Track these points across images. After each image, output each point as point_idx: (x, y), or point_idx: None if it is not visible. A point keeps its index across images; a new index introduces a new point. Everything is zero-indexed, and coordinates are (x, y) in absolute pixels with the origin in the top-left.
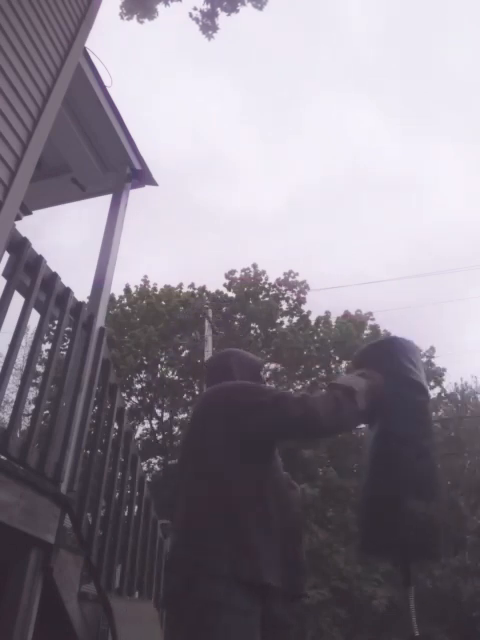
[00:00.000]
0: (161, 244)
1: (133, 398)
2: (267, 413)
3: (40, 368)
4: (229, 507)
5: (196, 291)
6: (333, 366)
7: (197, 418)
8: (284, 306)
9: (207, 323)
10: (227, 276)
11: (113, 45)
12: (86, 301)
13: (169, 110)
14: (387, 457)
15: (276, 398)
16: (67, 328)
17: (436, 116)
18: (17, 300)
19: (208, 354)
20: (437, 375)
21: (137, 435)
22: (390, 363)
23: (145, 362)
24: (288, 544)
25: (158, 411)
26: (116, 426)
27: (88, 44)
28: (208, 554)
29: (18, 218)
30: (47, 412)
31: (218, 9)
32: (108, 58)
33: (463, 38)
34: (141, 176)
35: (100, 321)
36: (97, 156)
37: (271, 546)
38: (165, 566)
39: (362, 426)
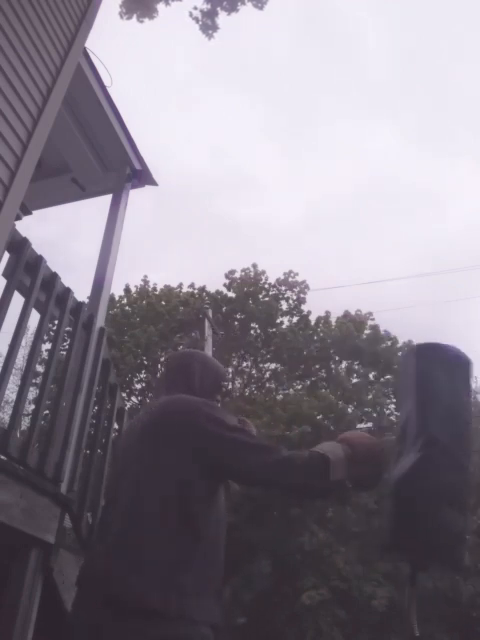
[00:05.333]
0: (174, 249)
1: (133, 398)
2: (238, 451)
3: (40, 368)
4: (181, 533)
5: (196, 291)
6: (333, 366)
7: (156, 427)
8: (284, 306)
9: (207, 323)
10: (227, 276)
11: (137, 52)
12: (86, 301)
13: (187, 121)
14: (428, 462)
15: (247, 441)
16: (67, 328)
17: (452, 135)
18: (17, 300)
19: (209, 354)
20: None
21: None
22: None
23: (145, 362)
24: (217, 577)
25: None
26: (116, 426)
27: (89, 44)
28: (154, 583)
29: (18, 218)
30: (47, 412)
31: (218, 8)
32: (110, 58)
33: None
34: (141, 176)
35: (100, 321)
36: (97, 156)
37: (207, 579)
38: (87, 576)
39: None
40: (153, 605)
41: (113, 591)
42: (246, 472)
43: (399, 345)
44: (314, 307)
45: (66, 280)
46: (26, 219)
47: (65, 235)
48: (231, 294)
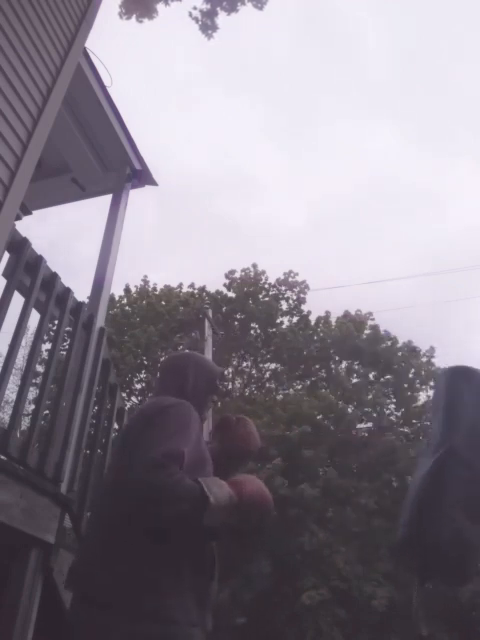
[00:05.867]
0: (174, 249)
1: (133, 398)
2: (140, 455)
3: (40, 368)
4: (143, 535)
5: (196, 291)
6: (333, 366)
7: (129, 428)
8: (284, 306)
9: (207, 323)
10: (227, 276)
11: (137, 52)
12: (86, 301)
13: (187, 121)
14: (441, 468)
15: (162, 456)
16: (67, 328)
17: (452, 135)
18: (17, 300)
19: (208, 354)
20: (437, 375)
21: None
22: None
23: (145, 362)
24: (198, 577)
25: None
26: (116, 426)
27: (89, 44)
28: (127, 582)
29: (18, 218)
30: (47, 412)
31: (218, 9)
32: (110, 58)
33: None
34: (141, 176)
35: (100, 321)
36: (97, 156)
37: (183, 579)
38: (71, 577)
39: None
40: (130, 604)
41: (87, 589)
42: (129, 470)
43: (399, 345)
44: (314, 307)
45: (66, 280)
46: (26, 219)
47: (65, 235)
48: (231, 294)
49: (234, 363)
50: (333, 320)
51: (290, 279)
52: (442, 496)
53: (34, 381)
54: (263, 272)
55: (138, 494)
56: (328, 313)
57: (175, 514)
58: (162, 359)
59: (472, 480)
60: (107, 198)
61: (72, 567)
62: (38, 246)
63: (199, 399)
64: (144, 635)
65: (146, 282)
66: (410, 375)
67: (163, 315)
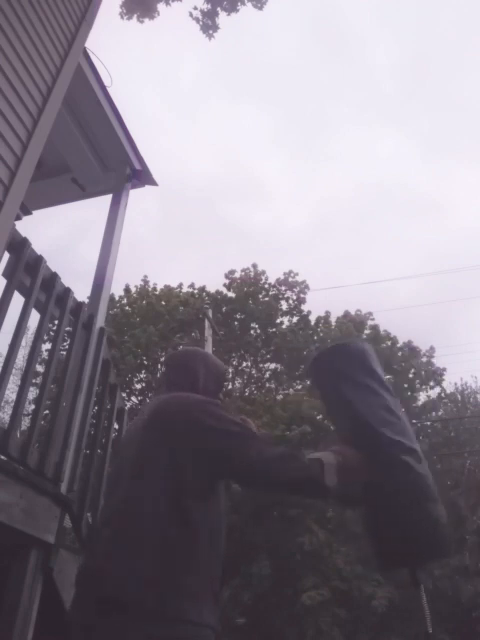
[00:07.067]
0: (175, 249)
1: (133, 398)
2: (238, 445)
3: (40, 368)
4: (178, 533)
5: (196, 291)
6: None
7: (155, 426)
8: (284, 306)
9: (207, 323)
10: (227, 276)
11: (144, 55)
12: (86, 301)
13: (192, 124)
14: (397, 467)
15: (249, 436)
16: (67, 328)
17: (457, 141)
18: (17, 300)
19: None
20: (437, 375)
21: None
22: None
23: (145, 362)
24: (215, 578)
25: None
26: (116, 426)
27: (89, 44)
28: (152, 584)
29: (18, 218)
30: (47, 412)
31: (218, 9)
32: (111, 59)
33: None
34: (141, 176)
35: (100, 321)
36: (97, 156)
37: (203, 581)
38: (85, 576)
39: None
40: (151, 606)
41: (110, 591)
42: (247, 465)
43: (399, 345)
44: (314, 307)
45: (66, 280)
46: (27, 219)
47: (66, 235)
48: (231, 294)
49: (234, 363)
50: (333, 320)
51: (290, 279)
52: (408, 490)
53: (34, 381)
54: (263, 272)
55: (264, 478)
56: (328, 313)
57: (306, 478)
58: (163, 357)
59: (419, 460)
60: (107, 198)
61: (86, 566)
62: (38, 246)
63: (209, 397)
64: (160, 636)
65: (146, 282)
66: (410, 375)
67: (163, 315)
